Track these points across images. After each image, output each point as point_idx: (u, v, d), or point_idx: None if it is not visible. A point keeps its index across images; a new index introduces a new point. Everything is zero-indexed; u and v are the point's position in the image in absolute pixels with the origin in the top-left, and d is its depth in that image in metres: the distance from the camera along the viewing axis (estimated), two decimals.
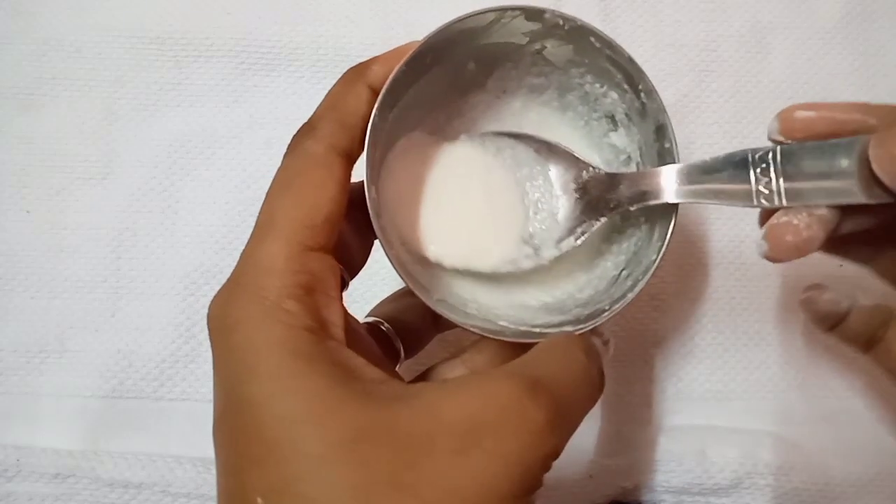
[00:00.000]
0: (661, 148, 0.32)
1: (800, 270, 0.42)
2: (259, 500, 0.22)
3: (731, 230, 0.45)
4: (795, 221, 0.28)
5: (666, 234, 0.30)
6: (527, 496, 0.23)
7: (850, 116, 0.28)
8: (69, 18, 0.47)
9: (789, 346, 0.44)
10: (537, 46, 0.33)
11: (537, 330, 0.30)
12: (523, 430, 0.23)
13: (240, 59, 0.47)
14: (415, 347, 0.33)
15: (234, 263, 0.26)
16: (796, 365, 0.44)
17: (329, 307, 0.25)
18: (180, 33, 0.47)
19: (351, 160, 0.28)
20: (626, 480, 0.42)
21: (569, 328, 0.30)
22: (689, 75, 0.47)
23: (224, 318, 0.25)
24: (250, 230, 0.26)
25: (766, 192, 0.28)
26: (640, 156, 0.34)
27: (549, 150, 0.34)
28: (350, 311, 0.28)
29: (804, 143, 0.28)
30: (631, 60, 0.31)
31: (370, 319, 0.32)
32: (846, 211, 0.28)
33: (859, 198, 0.26)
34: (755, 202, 0.28)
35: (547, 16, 0.31)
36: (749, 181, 0.28)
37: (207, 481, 0.41)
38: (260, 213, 0.26)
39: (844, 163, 0.27)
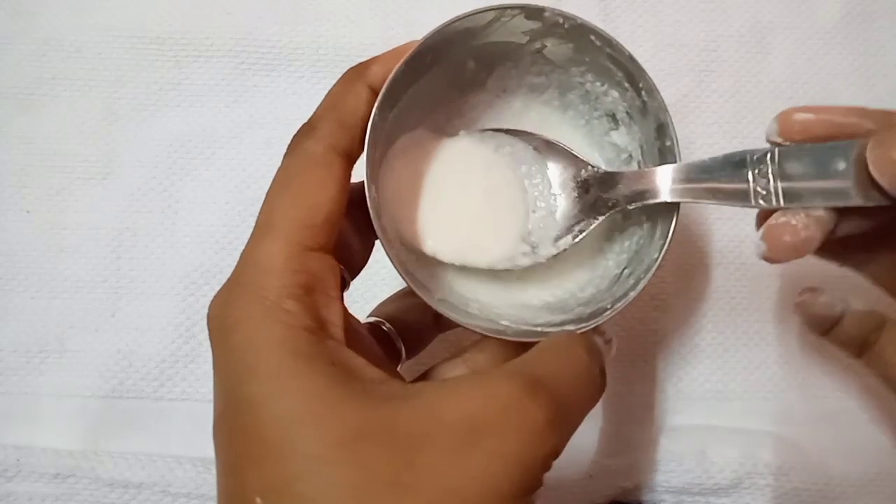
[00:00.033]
0: (662, 146, 0.32)
1: (800, 271, 0.42)
2: (258, 499, 0.22)
3: (731, 230, 0.45)
4: (793, 222, 0.28)
5: (668, 233, 0.30)
6: (527, 496, 0.23)
7: (848, 120, 0.28)
8: (69, 18, 0.47)
9: (789, 346, 0.44)
10: (537, 45, 0.33)
11: (539, 329, 0.30)
12: (523, 430, 0.23)
13: (240, 59, 0.47)
14: (416, 347, 0.33)
15: (234, 263, 0.26)
16: (796, 365, 0.44)
17: (329, 307, 0.25)
18: (180, 33, 0.47)
19: (351, 160, 0.28)
20: (626, 480, 0.42)
21: (570, 327, 0.30)
22: (689, 75, 0.47)
23: (224, 318, 0.25)
24: (250, 230, 0.26)
25: (764, 192, 0.28)
26: (642, 154, 0.34)
27: (547, 147, 0.34)
28: (351, 311, 0.28)
29: (802, 144, 0.29)
30: (631, 58, 0.31)
31: (371, 319, 0.32)
32: (842, 214, 0.28)
33: (856, 200, 0.27)
34: (753, 202, 0.29)
35: (547, 14, 0.31)
36: (747, 181, 0.29)
37: (207, 481, 0.41)
38: (260, 213, 0.26)
39: (841, 165, 0.27)
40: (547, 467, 0.23)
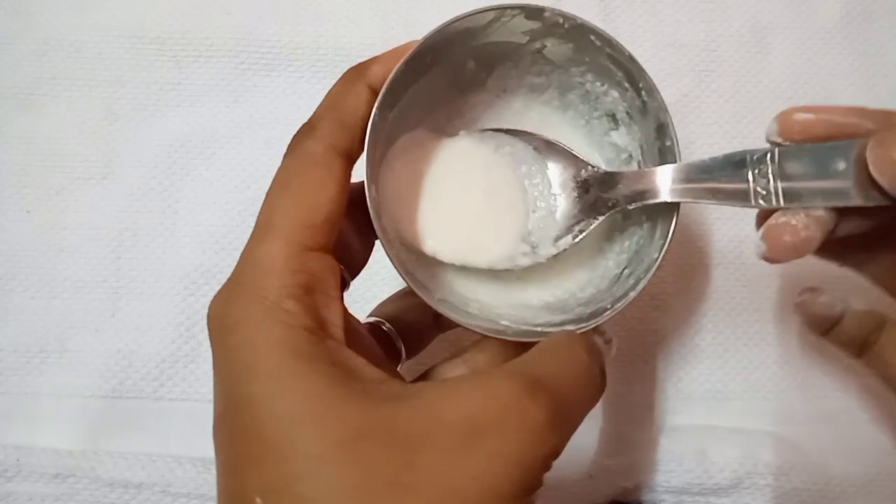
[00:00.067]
0: (662, 146, 0.32)
1: (800, 271, 0.42)
2: (258, 499, 0.21)
3: (731, 230, 0.45)
4: (794, 222, 0.28)
5: (668, 233, 0.30)
6: (527, 496, 0.23)
7: (848, 120, 0.28)
8: (69, 18, 0.47)
9: (789, 346, 0.44)
10: (537, 45, 0.33)
11: (539, 329, 0.30)
12: (523, 430, 0.23)
13: (240, 59, 0.47)
14: (416, 347, 0.33)
15: (234, 263, 0.26)
16: (796, 365, 0.44)
17: (328, 307, 0.25)
18: (180, 33, 0.47)
19: (351, 160, 0.28)
20: (626, 480, 0.42)
21: (570, 327, 0.30)
22: (689, 75, 0.47)
23: (224, 319, 0.25)
24: (250, 230, 0.26)
25: (764, 192, 0.28)
26: (642, 154, 0.34)
27: (547, 148, 0.34)
28: (351, 311, 0.28)
29: (802, 144, 0.29)
30: (631, 58, 0.31)
31: (371, 320, 0.32)
32: (842, 214, 0.28)
33: (856, 200, 0.27)
34: (753, 202, 0.29)
35: (546, 14, 0.31)
36: (747, 181, 0.29)
37: (207, 481, 0.41)
38: (259, 213, 0.26)
39: (841, 165, 0.27)
40: (547, 467, 0.23)
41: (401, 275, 0.28)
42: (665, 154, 0.32)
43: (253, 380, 0.23)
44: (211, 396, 0.24)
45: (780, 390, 0.44)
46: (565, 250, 0.33)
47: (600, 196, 0.33)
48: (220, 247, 0.45)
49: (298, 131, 0.28)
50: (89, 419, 0.43)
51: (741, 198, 0.29)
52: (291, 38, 0.47)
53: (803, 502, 0.42)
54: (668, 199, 0.31)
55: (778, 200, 0.28)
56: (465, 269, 0.33)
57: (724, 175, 0.29)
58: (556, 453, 0.23)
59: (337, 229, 0.26)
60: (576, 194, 0.33)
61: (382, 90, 0.28)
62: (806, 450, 0.42)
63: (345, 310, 0.26)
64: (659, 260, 0.30)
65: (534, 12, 0.31)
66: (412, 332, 0.32)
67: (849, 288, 0.35)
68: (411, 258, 0.32)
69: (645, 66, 0.31)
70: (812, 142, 0.29)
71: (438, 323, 0.33)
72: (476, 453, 0.22)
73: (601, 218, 0.33)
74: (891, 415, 0.43)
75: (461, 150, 0.34)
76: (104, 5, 0.47)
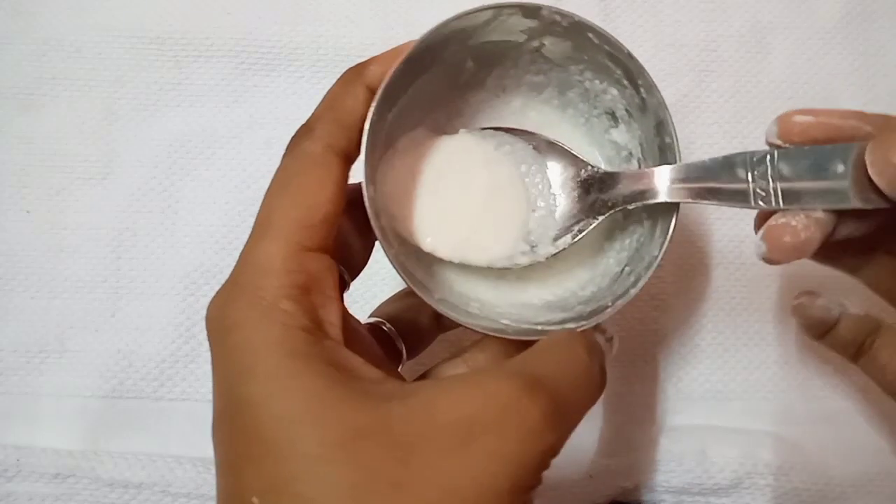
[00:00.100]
0: (661, 143, 0.32)
1: (800, 271, 0.42)
2: (256, 500, 0.22)
3: (731, 230, 0.45)
4: (794, 223, 0.28)
5: (668, 231, 0.30)
6: (526, 494, 0.23)
7: (847, 122, 0.29)
8: (69, 18, 0.47)
9: (789, 347, 0.44)
10: (536, 44, 0.33)
11: (539, 328, 0.30)
12: (522, 429, 0.22)
13: (240, 59, 0.47)
14: (417, 347, 0.33)
15: (234, 263, 0.26)
16: (796, 365, 0.44)
17: (326, 307, 0.25)
18: (180, 33, 0.47)
19: (349, 160, 0.28)
20: (626, 480, 0.42)
21: (571, 325, 0.30)
22: (689, 75, 0.47)
23: (222, 319, 0.25)
24: (250, 230, 0.26)
25: (763, 193, 0.29)
26: (642, 152, 0.34)
27: (547, 147, 0.34)
28: (351, 311, 0.28)
29: (801, 146, 0.29)
30: (630, 56, 0.31)
31: (372, 320, 0.32)
32: (840, 216, 0.28)
33: (854, 202, 0.27)
34: (752, 203, 0.29)
35: (544, 12, 0.31)
36: (746, 182, 0.29)
37: (207, 481, 0.41)
38: (258, 214, 0.26)
39: (840, 167, 0.27)
40: (546, 465, 0.23)
41: (400, 274, 0.28)
42: (665, 151, 0.32)
43: (251, 380, 0.23)
44: (211, 396, 0.24)
45: (780, 390, 0.44)
46: (564, 250, 0.33)
47: (600, 196, 0.33)
48: (220, 247, 0.45)
49: (297, 132, 0.28)
50: (89, 419, 0.43)
51: (740, 198, 0.29)
52: (291, 38, 0.47)
53: (803, 502, 0.41)
54: (668, 200, 0.31)
55: (777, 201, 0.28)
56: (464, 269, 0.33)
57: (724, 175, 0.29)
58: (555, 452, 0.23)
59: (335, 229, 0.26)
60: (575, 194, 0.33)
61: (380, 90, 0.28)
62: (806, 450, 0.42)
63: (344, 310, 0.27)
64: (659, 258, 0.30)
65: (531, 10, 0.31)
66: (413, 332, 0.32)
67: (847, 291, 0.35)
68: (411, 258, 0.32)
69: (644, 66, 0.31)
70: (811, 144, 0.29)
71: (439, 323, 0.33)
72: (475, 452, 0.22)
73: (601, 218, 0.33)
74: (890, 415, 0.43)
75: (462, 147, 0.34)
76: (104, 5, 0.47)
